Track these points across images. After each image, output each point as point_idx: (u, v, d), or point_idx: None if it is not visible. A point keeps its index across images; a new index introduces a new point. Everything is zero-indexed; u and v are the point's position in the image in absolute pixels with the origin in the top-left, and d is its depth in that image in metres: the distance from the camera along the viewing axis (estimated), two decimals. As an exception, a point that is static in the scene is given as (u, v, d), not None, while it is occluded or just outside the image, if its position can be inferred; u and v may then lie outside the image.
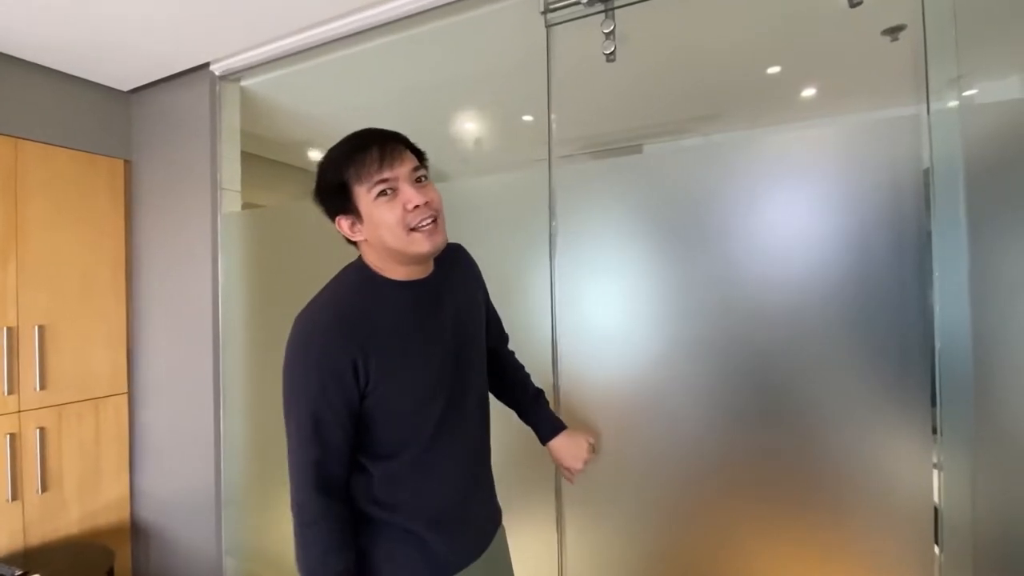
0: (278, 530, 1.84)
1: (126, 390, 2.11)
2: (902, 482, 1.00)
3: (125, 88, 2.08)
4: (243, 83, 1.97)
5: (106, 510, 2.05)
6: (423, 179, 0.79)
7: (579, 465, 1.05)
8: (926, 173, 0.99)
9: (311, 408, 0.74)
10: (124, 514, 2.12)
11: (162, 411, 2.05)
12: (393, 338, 0.77)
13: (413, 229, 0.75)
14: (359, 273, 0.82)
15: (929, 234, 0.97)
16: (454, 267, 0.91)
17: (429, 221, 0.76)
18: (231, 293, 1.90)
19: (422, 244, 0.76)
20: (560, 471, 1.13)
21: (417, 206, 0.75)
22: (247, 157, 2.62)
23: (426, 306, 0.83)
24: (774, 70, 1.90)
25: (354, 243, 0.84)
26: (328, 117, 2.35)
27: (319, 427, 0.74)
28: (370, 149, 0.75)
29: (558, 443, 1.05)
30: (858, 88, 1.86)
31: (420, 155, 0.82)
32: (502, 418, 1.07)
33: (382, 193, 0.74)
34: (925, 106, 0.98)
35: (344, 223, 0.79)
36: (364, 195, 0.75)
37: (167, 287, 2.02)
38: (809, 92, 2.02)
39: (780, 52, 1.80)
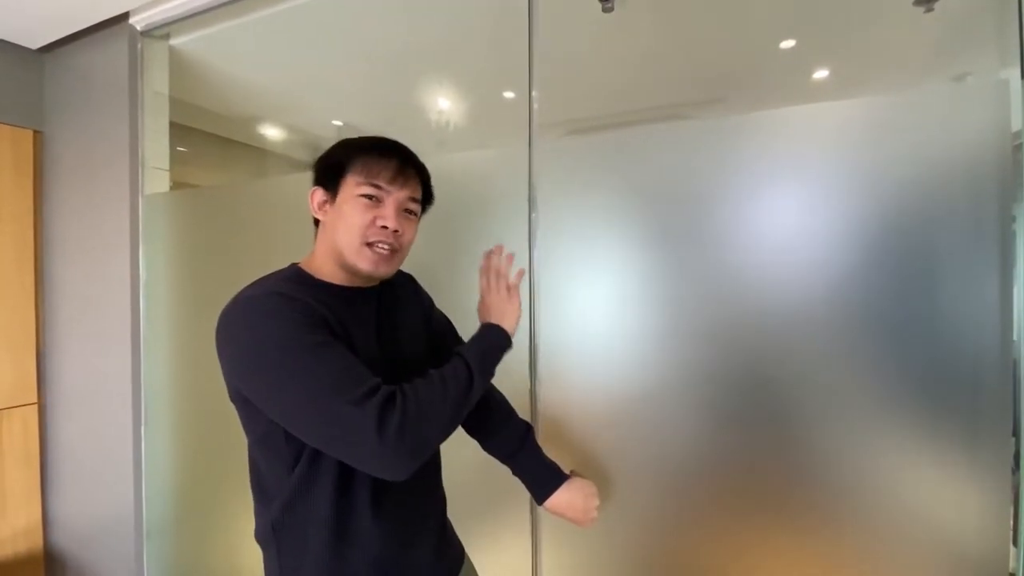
0: (210, 568, 1.57)
1: (36, 400, 1.81)
2: (968, 531, 0.81)
3: (34, 46, 1.76)
4: (172, 41, 1.67)
5: (13, 539, 1.76)
6: (412, 214, 0.76)
7: (591, 518, 0.90)
8: (1016, 148, 0.78)
9: (300, 340, 0.62)
10: (36, 543, 1.82)
11: (80, 424, 1.76)
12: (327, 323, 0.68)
13: (368, 244, 0.71)
14: (288, 271, 0.76)
15: (1014, 218, 0.80)
16: (401, 288, 0.87)
17: (386, 248, 0.72)
18: (156, 287, 1.61)
19: (365, 261, 0.72)
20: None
21: (385, 227, 0.71)
22: (189, 132, 2.33)
23: (360, 312, 0.75)
24: (787, 44, 1.68)
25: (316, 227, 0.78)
26: (282, 89, 2.06)
27: (324, 348, 0.62)
28: (392, 158, 0.73)
29: (562, 501, 0.88)
30: (886, 64, 1.65)
31: (429, 197, 0.81)
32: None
33: (366, 195, 0.71)
34: (1020, 71, 0.83)
35: (318, 195, 0.75)
36: (351, 186, 0.72)
37: (84, 279, 1.72)
38: (824, 72, 1.80)
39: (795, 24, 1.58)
